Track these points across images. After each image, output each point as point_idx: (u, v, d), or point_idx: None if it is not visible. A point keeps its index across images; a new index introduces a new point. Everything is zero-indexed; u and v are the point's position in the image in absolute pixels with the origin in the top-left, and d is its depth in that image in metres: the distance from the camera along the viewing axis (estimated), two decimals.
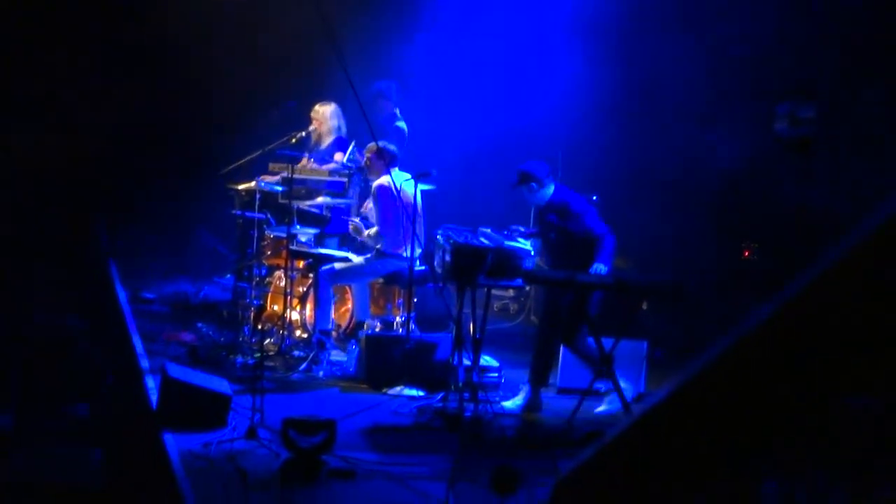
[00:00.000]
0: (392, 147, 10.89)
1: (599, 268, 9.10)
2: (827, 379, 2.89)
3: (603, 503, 3.37)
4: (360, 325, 10.88)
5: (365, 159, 10.85)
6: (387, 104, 12.31)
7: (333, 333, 10.72)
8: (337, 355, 10.48)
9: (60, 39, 14.23)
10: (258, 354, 9.11)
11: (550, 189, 9.58)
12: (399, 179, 10.31)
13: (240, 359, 10.10)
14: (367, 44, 13.67)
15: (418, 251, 10.11)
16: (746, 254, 11.91)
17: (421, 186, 10.27)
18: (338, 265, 10.63)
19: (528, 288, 12.02)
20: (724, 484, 3.34)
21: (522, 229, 9.81)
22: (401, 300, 10.72)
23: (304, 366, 10.06)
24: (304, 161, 11.86)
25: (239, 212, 11.68)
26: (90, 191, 14.65)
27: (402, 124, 12.30)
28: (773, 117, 10.77)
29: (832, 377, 2.88)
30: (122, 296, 12.23)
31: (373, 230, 10.71)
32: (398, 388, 9.58)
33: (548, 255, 9.83)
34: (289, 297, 10.67)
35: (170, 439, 7.67)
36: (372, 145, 10.53)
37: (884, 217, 2.74)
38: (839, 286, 2.81)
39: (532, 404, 9.46)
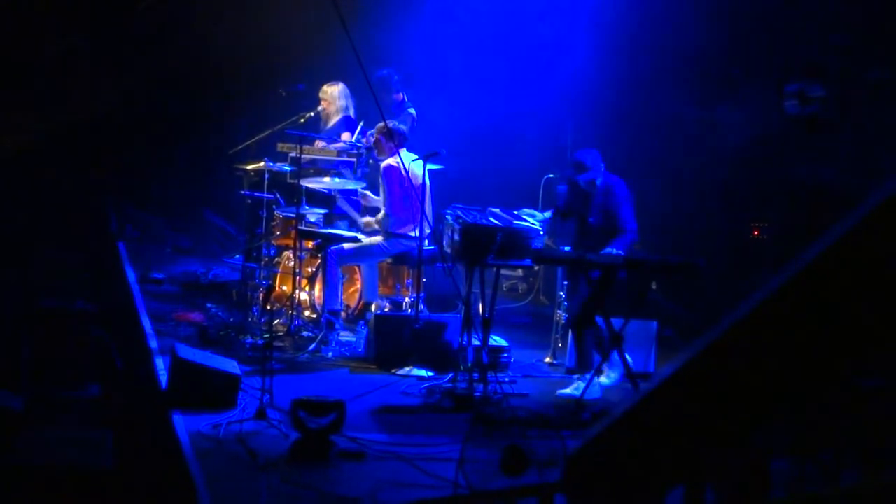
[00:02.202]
0: (402, 127, 10.87)
1: (613, 252, 9.05)
2: (835, 353, 2.88)
3: (614, 479, 3.36)
4: (368, 305, 10.89)
5: (374, 139, 10.81)
6: (387, 94, 12.17)
7: (342, 314, 10.72)
8: (346, 336, 10.48)
9: (70, 19, 14.24)
10: (267, 335, 9.10)
11: (600, 175, 9.51)
12: (408, 160, 10.30)
13: (249, 339, 10.10)
14: (374, 24, 13.63)
15: (427, 231, 10.09)
16: (756, 232, 11.88)
17: (430, 166, 10.25)
18: (346, 245, 10.62)
19: (536, 268, 12.01)
20: (733, 460, 3.33)
21: (541, 216, 9.76)
22: (410, 280, 10.71)
23: (312, 346, 10.06)
24: (318, 143, 11.83)
25: (247, 192, 11.68)
26: (99, 173, 14.67)
27: (411, 110, 12.24)
28: (783, 96, 10.72)
29: (840, 352, 2.88)
30: (131, 277, 12.23)
31: (380, 214, 10.70)
32: (407, 369, 9.59)
33: (584, 241, 9.66)
34: (298, 278, 10.66)
35: (179, 420, 7.68)
36: (381, 125, 10.50)
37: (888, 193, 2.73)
38: (844, 263, 2.80)
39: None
